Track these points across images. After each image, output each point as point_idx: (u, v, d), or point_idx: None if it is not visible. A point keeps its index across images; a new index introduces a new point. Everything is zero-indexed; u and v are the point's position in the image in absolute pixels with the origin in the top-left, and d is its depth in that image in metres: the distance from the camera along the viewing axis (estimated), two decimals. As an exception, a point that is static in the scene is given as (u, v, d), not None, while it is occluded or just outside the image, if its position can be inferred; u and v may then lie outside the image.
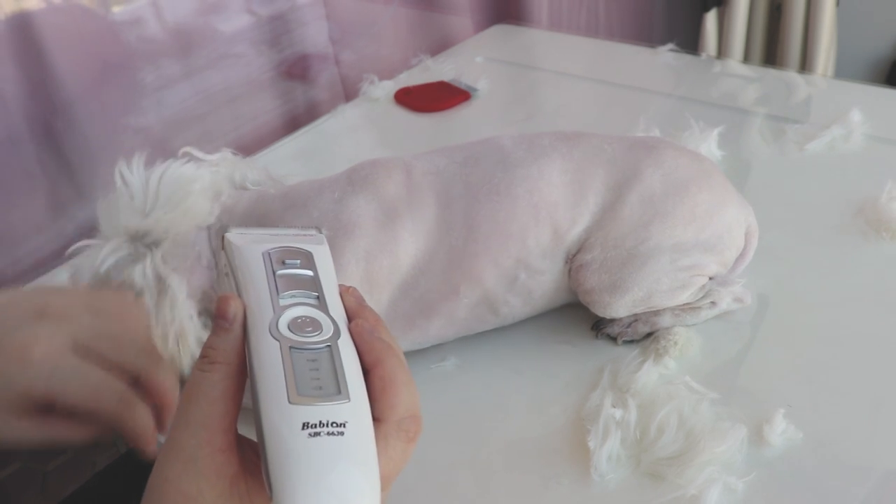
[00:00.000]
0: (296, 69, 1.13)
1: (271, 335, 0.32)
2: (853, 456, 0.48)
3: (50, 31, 0.87)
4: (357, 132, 0.96)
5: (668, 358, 0.55)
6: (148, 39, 0.96)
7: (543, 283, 0.56)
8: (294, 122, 1.13)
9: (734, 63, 1.14)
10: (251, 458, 0.34)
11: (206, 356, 0.34)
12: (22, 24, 0.86)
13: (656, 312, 0.57)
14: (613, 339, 0.58)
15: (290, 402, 0.30)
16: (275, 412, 0.30)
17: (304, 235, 0.38)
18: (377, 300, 0.54)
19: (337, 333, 0.33)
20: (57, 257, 0.86)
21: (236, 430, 0.34)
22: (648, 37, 1.68)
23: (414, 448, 0.34)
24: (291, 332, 0.33)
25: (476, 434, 0.53)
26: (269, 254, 0.36)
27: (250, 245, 0.36)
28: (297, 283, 0.35)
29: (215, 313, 0.34)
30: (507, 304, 0.56)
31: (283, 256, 0.36)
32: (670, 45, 1.01)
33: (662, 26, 1.73)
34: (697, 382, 0.52)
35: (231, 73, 1.05)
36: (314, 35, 1.13)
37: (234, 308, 0.34)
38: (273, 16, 1.08)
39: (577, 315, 0.60)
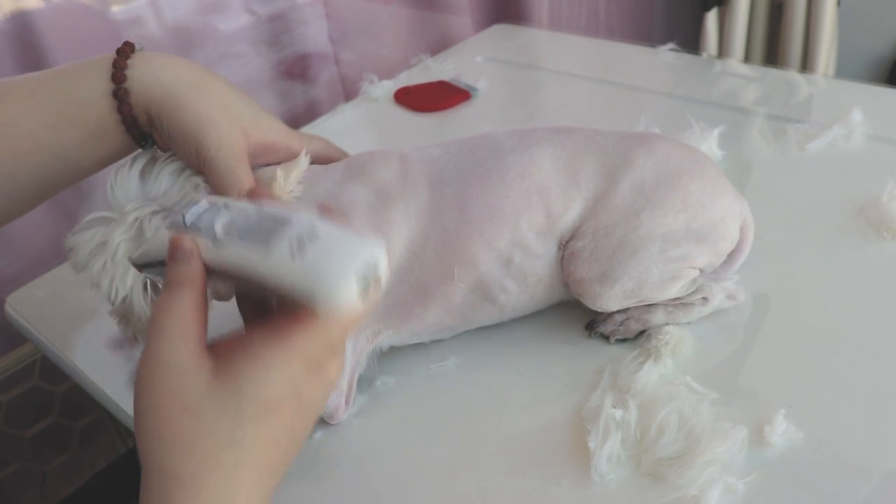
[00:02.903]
0: (296, 69, 1.14)
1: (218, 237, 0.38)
2: (854, 456, 0.48)
3: (50, 31, 0.87)
4: (357, 132, 0.96)
5: (663, 357, 0.55)
6: (148, 39, 0.96)
7: (538, 268, 0.56)
8: (294, 122, 1.13)
9: (735, 63, 1.14)
10: (224, 356, 0.38)
11: (172, 281, 0.38)
12: (22, 24, 0.86)
13: (649, 309, 0.57)
14: (606, 337, 0.58)
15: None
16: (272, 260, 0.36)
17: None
18: None
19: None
20: (57, 257, 0.86)
21: (205, 342, 0.38)
22: (648, 37, 1.68)
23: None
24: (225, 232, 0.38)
25: (476, 434, 0.53)
26: (174, 226, 0.40)
27: (158, 239, 0.41)
28: (204, 215, 0.40)
29: (170, 251, 0.39)
30: (504, 289, 0.56)
31: (183, 219, 0.40)
32: (670, 45, 1.01)
33: (662, 26, 1.73)
34: (698, 383, 0.52)
35: (231, 73, 1.05)
36: (314, 35, 1.13)
37: (188, 242, 0.39)
38: (273, 15, 1.08)
39: (577, 315, 0.59)
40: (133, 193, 0.52)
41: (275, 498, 0.51)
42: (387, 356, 0.58)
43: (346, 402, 0.55)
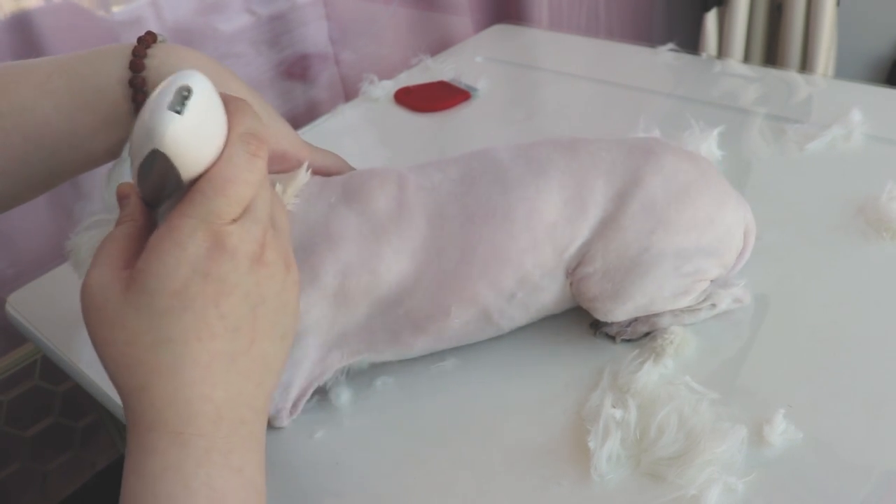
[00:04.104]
0: (296, 69, 1.14)
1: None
2: (853, 456, 0.48)
3: (50, 31, 0.87)
4: (357, 132, 0.96)
5: (665, 357, 0.55)
6: (148, 39, 0.96)
7: (542, 299, 0.55)
8: (294, 122, 1.13)
9: (734, 63, 1.14)
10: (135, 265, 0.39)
11: (116, 223, 0.40)
12: (22, 24, 0.86)
13: (656, 313, 0.57)
14: (612, 337, 0.58)
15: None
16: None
17: None
18: (353, 313, 0.53)
19: None
20: (57, 257, 0.86)
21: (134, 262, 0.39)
22: (648, 37, 1.68)
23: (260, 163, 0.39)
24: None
25: (476, 434, 0.53)
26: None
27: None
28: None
29: (118, 201, 0.42)
30: (506, 316, 0.55)
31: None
32: (670, 45, 1.01)
33: (662, 26, 1.73)
34: (697, 383, 0.52)
35: (231, 74, 1.05)
36: (314, 35, 1.13)
37: (124, 188, 0.41)
38: (273, 16, 1.08)
39: (577, 315, 0.59)
40: None
41: (274, 497, 0.51)
42: (387, 356, 0.58)
43: (294, 408, 0.54)
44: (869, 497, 0.45)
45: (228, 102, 0.40)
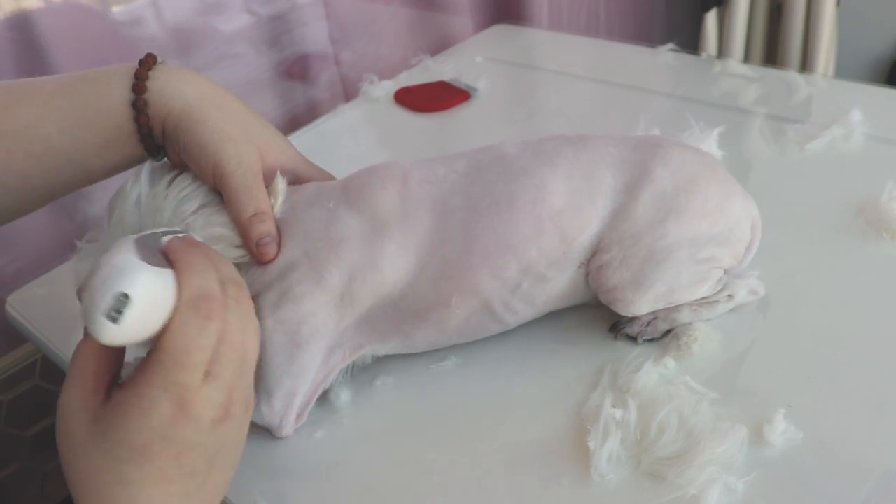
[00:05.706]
0: (296, 69, 1.14)
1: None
2: (853, 456, 0.48)
3: (50, 31, 0.87)
4: (357, 132, 0.96)
5: (690, 354, 0.55)
6: (148, 39, 0.96)
7: (547, 291, 0.55)
8: (294, 122, 1.14)
9: (734, 63, 1.14)
10: (111, 397, 0.40)
11: (85, 333, 0.41)
12: (22, 24, 0.86)
13: (675, 309, 0.57)
14: (633, 338, 0.57)
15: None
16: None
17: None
18: (357, 312, 0.54)
19: None
20: (57, 257, 0.86)
21: (110, 385, 0.40)
22: (648, 37, 1.68)
23: (216, 325, 0.39)
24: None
25: (476, 434, 0.53)
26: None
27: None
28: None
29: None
30: (511, 310, 0.55)
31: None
32: (670, 45, 1.01)
33: (662, 26, 1.73)
34: (697, 382, 0.52)
35: (231, 73, 1.05)
36: (314, 35, 1.13)
37: None
38: (273, 16, 1.08)
39: (578, 315, 0.59)
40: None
41: (274, 497, 0.51)
42: (387, 355, 0.58)
43: (298, 417, 0.55)
44: (869, 497, 0.45)
45: (176, 260, 0.41)
